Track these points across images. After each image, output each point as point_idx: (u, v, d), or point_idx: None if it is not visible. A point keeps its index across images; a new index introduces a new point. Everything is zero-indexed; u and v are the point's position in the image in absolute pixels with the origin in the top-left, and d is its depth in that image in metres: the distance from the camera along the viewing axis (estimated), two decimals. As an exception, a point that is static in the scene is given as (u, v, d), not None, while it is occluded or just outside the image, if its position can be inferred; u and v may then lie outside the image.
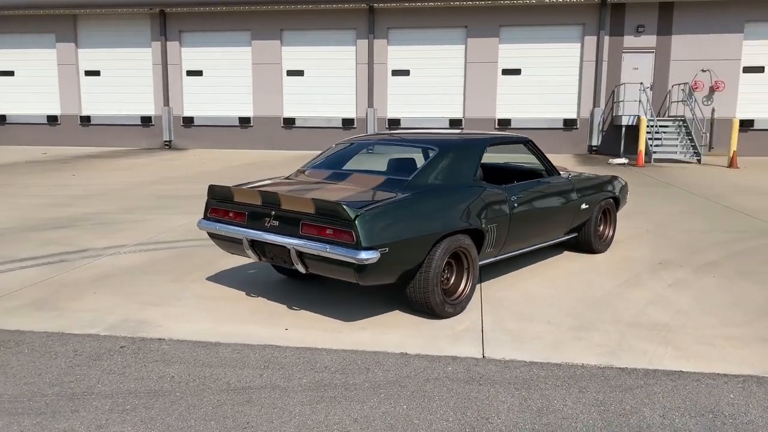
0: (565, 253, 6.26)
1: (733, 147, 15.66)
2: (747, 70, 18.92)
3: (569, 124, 19.86)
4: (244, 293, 4.89)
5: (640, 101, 19.04)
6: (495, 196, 4.67)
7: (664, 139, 17.43)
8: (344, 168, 5.00)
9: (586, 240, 6.03)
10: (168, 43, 21.52)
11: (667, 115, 19.08)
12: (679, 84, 19.00)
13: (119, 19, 21.78)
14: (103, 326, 4.15)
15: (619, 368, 3.47)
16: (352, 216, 3.68)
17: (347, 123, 21.02)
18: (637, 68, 19.34)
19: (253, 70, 21.31)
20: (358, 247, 3.66)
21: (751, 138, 18.82)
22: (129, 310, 4.47)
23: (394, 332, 4.02)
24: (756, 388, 3.20)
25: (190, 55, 21.73)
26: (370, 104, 20.75)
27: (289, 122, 21.32)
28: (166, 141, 21.93)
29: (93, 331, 4.07)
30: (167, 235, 7.10)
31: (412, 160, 4.79)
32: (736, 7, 18.53)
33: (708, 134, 18.31)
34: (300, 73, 21.23)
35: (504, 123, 20.17)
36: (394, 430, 2.80)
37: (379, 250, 3.69)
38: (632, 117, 18.24)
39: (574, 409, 2.99)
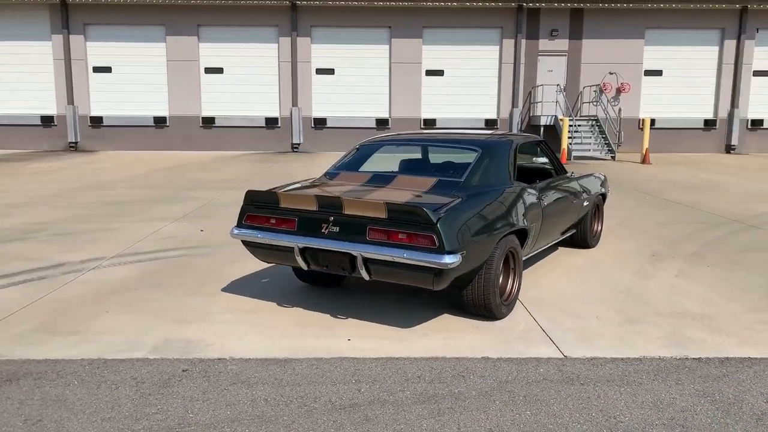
0: (560, 249, 6.47)
1: (646, 144, 16.92)
2: (648, 73, 20.47)
3: (490, 124, 20.56)
4: (275, 304, 4.63)
5: (557, 102, 20.06)
6: (532, 195, 4.74)
7: (581, 137, 18.48)
8: (383, 170, 4.87)
9: (583, 235, 6.27)
10: (71, 36, 19.93)
11: (579, 115, 20.24)
12: (590, 86, 20.22)
13: (14, 11, 19.88)
14: (146, 349, 3.78)
15: (695, 359, 3.63)
16: (434, 219, 3.59)
17: (271, 122, 20.50)
18: (551, 70, 20.36)
19: (168, 67, 20.23)
20: (441, 251, 3.57)
21: (652, 136, 20.36)
22: (164, 330, 4.10)
23: (460, 337, 3.97)
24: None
25: (97, 50, 20.26)
26: (295, 103, 20.37)
27: (209, 122, 20.47)
28: (71, 142, 20.31)
29: (138, 354, 3.69)
30: (144, 245, 6.58)
31: (451, 162, 4.74)
32: (637, 14, 19.99)
33: (620, 132, 19.59)
34: (219, 70, 20.43)
35: (429, 123, 20.52)
36: (535, 437, 2.77)
37: (460, 253, 3.63)
38: (550, 117, 19.19)
39: (685, 402, 3.10)
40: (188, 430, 2.85)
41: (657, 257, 6.11)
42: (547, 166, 6.20)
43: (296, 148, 20.55)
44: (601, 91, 20.23)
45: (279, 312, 4.46)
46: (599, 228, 6.63)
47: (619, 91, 20.28)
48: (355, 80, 20.49)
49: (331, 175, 4.92)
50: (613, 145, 18.09)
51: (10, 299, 4.75)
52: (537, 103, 20.20)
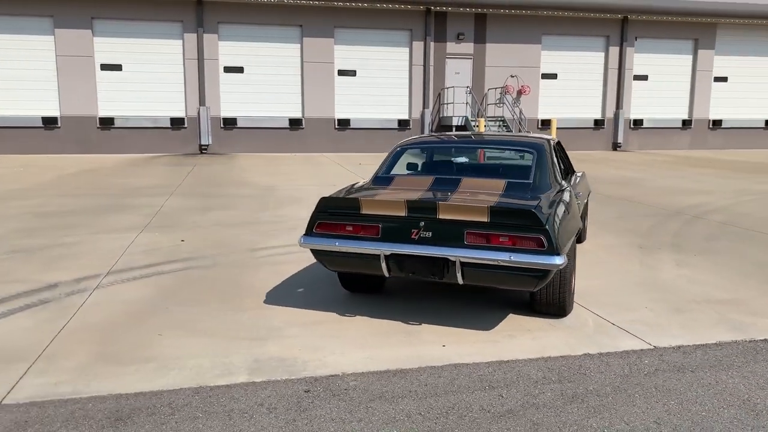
0: (554, 245, 6.79)
1: (554, 143, 18.06)
2: (545, 76, 21.86)
3: (403, 124, 20.92)
4: (335, 314, 4.46)
5: (467, 103, 20.85)
6: (573, 194, 4.94)
7: (491, 137, 19.35)
8: (443, 174, 4.84)
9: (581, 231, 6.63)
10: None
11: (485, 115, 21.17)
12: (494, 88, 21.23)
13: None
14: (243, 371, 3.50)
15: (763, 340, 4.00)
16: (544, 221, 3.65)
17: (177, 122, 19.43)
18: (458, 72, 21.12)
19: (58, 63, 18.51)
20: (551, 252, 3.65)
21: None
22: (245, 350, 3.82)
23: (544, 336, 4.07)
24: None
25: (-29, 42, 18.07)
26: (202, 102, 19.45)
27: (107, 122, 18.99)
28: None
29: (241, 378, 3.41)
30: (132, 260, 6.04)
31: (503, 164, 4.82)
32: (534, 21, 21.27)
33: (528, 133, 20.73)
34: (118, 67, 19.02)
35: (343, 123, 20.47)
36: (703, 428, 2.92)
37: (566, 254, 3.72)
38: (461, 118, 19.91)
39: (790, 379, 3.42)
40: (367, 453, 2.70)
41: (645, 250, 6.60)
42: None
43: (205, 149, 19.64)
44: (504, 93, 21.31)
45: (347, 322, 4.30)
46: (587, 223, 7.04)
47: (520, 93, 21.47)
48: (265, 79, 19.96)
49: (383, 179, 4.81)
50: (522, 144, 19.13)
51: (25, 329, 4.17)
52: (447, 104, 20.87)
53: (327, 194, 10.57)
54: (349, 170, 14.86)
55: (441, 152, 5.28)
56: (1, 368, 3.52)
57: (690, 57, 22.93)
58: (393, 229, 3.96)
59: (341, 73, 20.44)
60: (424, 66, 20.65)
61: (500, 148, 4.98)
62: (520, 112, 21.20)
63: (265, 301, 4.78)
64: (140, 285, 5.23)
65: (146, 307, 4.66)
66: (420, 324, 4.28)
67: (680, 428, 2.89)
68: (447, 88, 20.83)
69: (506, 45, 21.21)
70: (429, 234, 3.88)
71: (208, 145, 19.55)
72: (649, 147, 22.83)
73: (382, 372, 3.52)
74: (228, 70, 19.71)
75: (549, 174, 4.64)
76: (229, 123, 19.76)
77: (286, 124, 20.17)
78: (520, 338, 4.03)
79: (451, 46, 20.87)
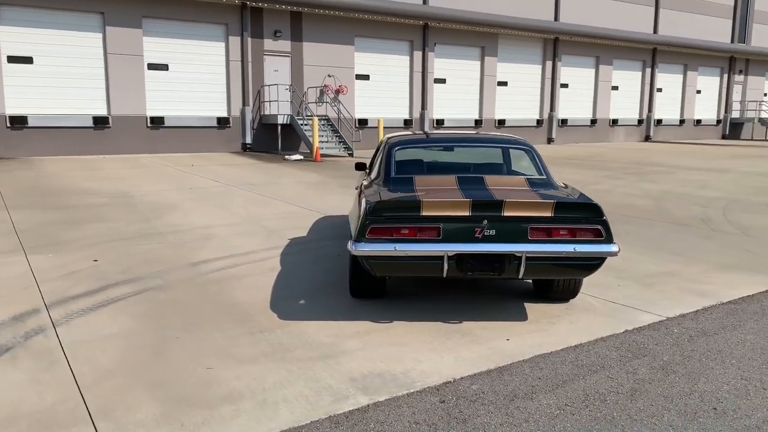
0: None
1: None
2: (358, 77, 22.59)
3: (222, 122, 19.95)
4: (370, 322, 4.29)
5: (291, 102, 20.60)
6: None
7: (320, 136, 19.46)
8: (454, 171, 4.84)
9: None
10: None
11: (305, 114, 21.18)
12: (314, 87, 21.35)
13: None
14: (355, 394, 3.23)
15: (746, 296, 4.83)
16: (604, 213, 3.95)
17: (-54, 122, 16.01)
18: (277, 70, 20.79)
19: None
20: (609, 241, 3.97)
21: (366, 134, 22.58)
22: (323, 370, 3.52)
23: (577, 320, 4.41)
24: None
25: None
26: (-19, 98, 16.32)
27: None
28: None
29: (362, 401, 3.16)
30: (65, 288, 5.04)
31: (498, 161, 5.02)
32: (347, 22, 21.85)
33: (357, 130, 21.20)
34: None
35: (157, 122, 18.82)
36: (769, 375, 3.50)
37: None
38: (285, 116, 19.65)
39: (782, 331, 4.22)
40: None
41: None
42: None
43: (-13, 153, 16.54)
44: (323, 93, 21.56)
45: (392, 329, 4.17)
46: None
47: (338, 92, 21.90)
48: (61, 71, 17.46)
49: (402, 180, 4.69)
50: (350, 143, 19.58)
51: (20, 383, 3.30)
52: (268, 102, 20.42)
53: (192, 198, 9.77)
54: (186, 172, 13.80)
55: (439, 151, 5.32)
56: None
57: (478, 63, 25.59)
58: (455, 229, 3.94)
59: (152, 67, 18.73)
60: (243, 62, 19.92)
61: (495, 146, 5.21)
62: (338, 111, 21.65)
63: (281, 318, 4.38)
64: (108, 315, 4.39)
65: (147, 338, 3.96)
66: (460, 322, 4.33)
67: (764, 382, 3.43)
68: (268, 85, 20.36)
69: (323, 45, 21.45)
70: (493, 232, 3.95)
71: (-10, 148, 16.48)
72: (450, 144, 25.02)
73: (485, 372, 3.52)
74: (13, 60, 16.78)
75: (548, 170, 5.00)
76: (18, 122, 16.86)
77: (90, 123, 17.86)
78: (559, 325, 4.31)
79: (269, 43, 20.44)
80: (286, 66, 20.93)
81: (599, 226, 3.98)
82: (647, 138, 31.37)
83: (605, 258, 4.03)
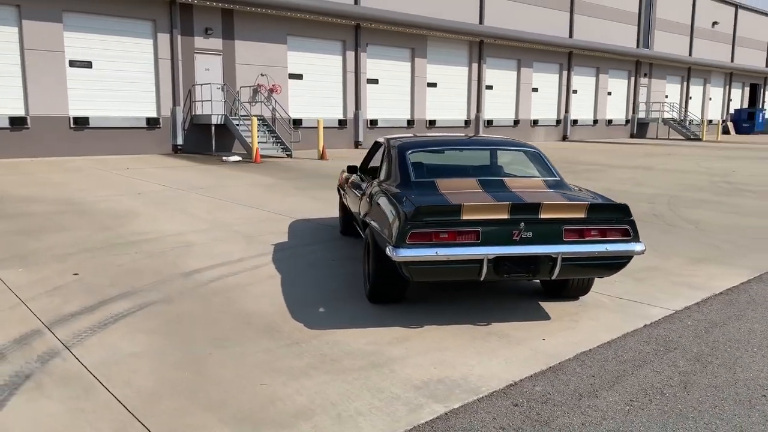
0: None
1: (322, 142, 18.64)
2: (292, 76, 22.25)
3: (152, 123, 19.05)
4: (401, 328, 4.25)
5: (225, 101, 19.96)
6: None
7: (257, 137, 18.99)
8: (472, 174, 4.85)
9: None
10: None
11: (239, 114, 20.62)
12: (247, 86, 20.82)
13: None
14: (428, 402, 3.19)
15: (737, 285, 5.17)
16: (631, 213, 4.10)
17: None
18: (208, 69, 20.10)
19: None
20: (636, 239, 4.13)
21: (305, 134, 22.27)
22: (380, 379, 3.46)
23: (595, 316, 4.57)
24: None
25: None
26: None
27: None
28: None
29: (438, 410, 3.13)
30: (54, 305, 4.65)
31: (507, 163, 5.10)
32: (280, 21, 21.46)
33: (295, 131, 20.77)
34: None
35: (81, 122, 17.70)
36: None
37: None
38: (219, 116, 19.03)
39: (779, 319, 4.55)
40: None
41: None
42: None
43: None
44: (256, 92, 21.07)
45: (426, 333, 4.15)
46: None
47: (271, 91, 21.47)
48: (-28, 68, 16.06)
49: (423, 185, 4.66)
50: (288, 144, 19.24)
51: (61, 415, 3.02)
52: (200, 101, 19.70)
53: (146, 203, 9.31)
54: (125, 176, 13.09)
55: (450, 154, 5.33)
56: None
57: (409, 64, 25.87)
58: (494, 232, 3.97)
59: (74, 64, 17.56)
60: (172, 60, 19.09)
61: (505, 149, 5.30)
62: (273, 111, 21.22)
63: (309, 327, 4.26)
64: (121, 333, 4.10)
65: (177, 356, 3.74)
66: (489, 323, 4.37)
67: (790, 366, 3.69)
68: (200, 84, 19.62)
69: (255, 43, 20.94)
70: (530, 234, 4.01)
71: None
72: (383, 144, 25.12)
73: (539, 373, 3.58)
74: None
75: (559, 172, 5.14)
76: None
77: (6, 124, 16.53)
78: (582, 322, 4.45)
79: (200, 41, 19.71)
80: (218, 65, 20.29)
81: (627, 226, 4.15)
82: (564, 138, 32.89)
83: (632, 256, 4.20)
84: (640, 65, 36.86)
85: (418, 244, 3.92)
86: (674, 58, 37.86)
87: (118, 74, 18.42)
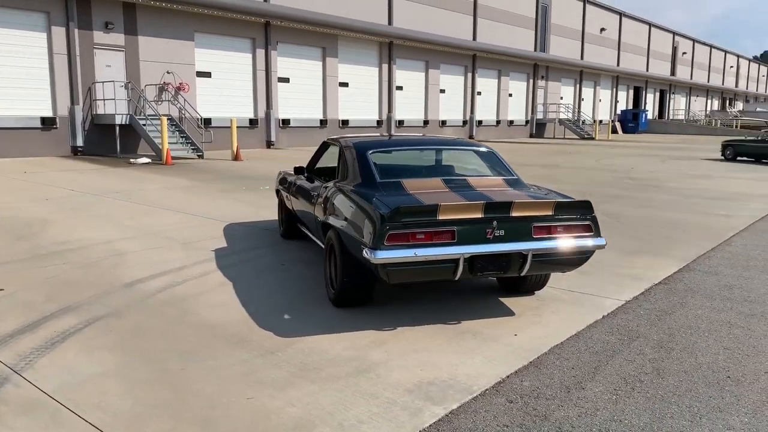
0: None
1: (235, 142, 18.07)
2: (200, 74, 21.42)
3: (48, 123, 17.67)
4: (375, 330, 4.19)
5: (130, 100, 18.84)
6: None
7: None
8: (435, 174, 4.85)
9: None
10: None
11: (144, 113, 19.59)
12: (152, 84, 19.80)
13: None
14: (426, 405, 3.16)
15: (669, 276, 5.50)
16: (593, 209, 4.25)
17: None
18: (110, 65, 18.94)
19: None
20: (598, 234, 4.30)
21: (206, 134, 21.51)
22: (372, 384, 3.40)
23: (557, 309, 4.72)
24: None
25: None
26: None
27: None
28: None
29: (439, 412, 3.11)
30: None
31: (471, 162, 5.16)
32: (186, 17, 20.61)
33: (208, 131, 19.91)
34: None
35: (-34, 122, 16.11)
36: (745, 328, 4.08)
37: None
38: (124, 116, 17.97)
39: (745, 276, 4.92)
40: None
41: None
42: None
43: None
44: (162, 90, 20.10)
45: (401, 335, 4.12)
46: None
47: (178, 90, 20.56)
48: None
49: (391, 185, 4.59)
50: (200, 145, 18.49)
51: (36, 445, 2.72)
52: (101, 100, 18.50)
53: (59, 210, 8.65)
54: (26, 181, 12.08)
55: (408, 154, 5.28)
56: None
57: (320, 63, 25.65)
58: (468, 231, 3.99)
59: (-44, 58, 15.97)
60: (69, 56, 17.76)
61: (461, 149, 5.35)
62: (180, 110, 20.32)
63: (280, 335, 4.10)
64: (75, 352, 3.76)
65: (148, 373, 3.48)
66: (459, 322, 4.40)
67: (741, 346, 3.99)
68: (101, 82, 18.39)
69: (160, 39, 19.94)
70: (502, 232, 4.07)
71: None
72: (297, 144, 24.71)
73: (522, 368, 3.65)
74: None
75: (514, 170, 5.26)
76: None
77: None
78: (545, 316, 4.59)
79: (100, 36, 18.48)
80: (120, 61, 19.17)
81: (590, 222, 4.31)
82: (471, 138, 33.93)
83: (594, 251, 4.38)
84: (538, 68, 38.73)
85: (396, 245, 3.88)
86: (568, 62, 40.12)
87: (6, 70, 16.94)
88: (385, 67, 28.25)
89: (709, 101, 68.58)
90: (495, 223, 4.07)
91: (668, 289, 5.35)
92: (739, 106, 75.31)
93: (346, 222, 4.41)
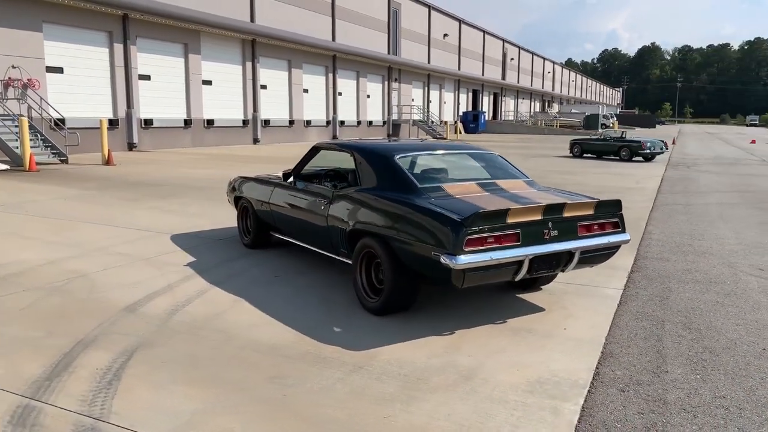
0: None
1: (106, 145, 16.46)
2: (50, 69, 19.18)
3: None
4: (449, 335, 4.18)
5: (-27, 97, 16.29)
6: None
7: (17, 139, 15.96)
8: (475, 177, 4.93)
9: None
10: None
11: (-15, 113, 17.10)
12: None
13: None
14: (566, 402, 3.25)
15: (632, 271, 6.10)
16: (621, 207, 4.61)
17: None
18: (-59, 57, 16.26)
19: None
20: (625, 230, 4.67)
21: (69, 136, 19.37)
22: (507, 392, 3.40)
23: (567, 305, 5.06)
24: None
25: None
26: None
27: None
28: None
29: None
30: None
31: (491, 166, 5.33)
32: (33, 5, 18.34)
33: (70, 134, 17.73)
34: None
35: None
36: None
37: None
38: (-36, 115, 15.57)
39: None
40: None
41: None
42: None
43: None
44: (8, 87, 17.71)
45: (462, 339, 4.18)
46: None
47: (26, 87, 18.24)
48: None
49: (429, 189, 4.55)
50: (63, 148, 16.55)
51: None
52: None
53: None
54: None
55: (428, 159, 5.24)
56: None
57: (183, 60, 24.16)
58: (530, 233, 4.14)
59: None
60: None
61: (472, 152, 5.47)
62: (29, 108, 18.02)
63: (348, 348, 3.94)
64: (145, 389, 3.33)
65: (251, 406, 3.18)
66: (505, 321, 4.55)
67: (747, 322, 4.60)
68: (-68, 77, 15.71)
69: (2, 29, 17.50)
70: (556, 232, 4.27)
71: None
72: (161, 146, 23.04)
73: (601, 359, 3.89)
74: None
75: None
76: None
77: None
78: (573, 309, 4.90)
79: (-72, 23, 15.80)
80: (-45, 52, 16.56)
81: (617, 219, 4.69)
82: (334, 137, 34.16)
83: (620, 245, 4.77)
84: (392, 71, 40.01)
85: (474, 250, 3.93)
86: (417, 65, 41.95)
87: None
88: (249, 65, 27.42)
89: (532, 103, 75.65)
90: (550, 224, 4.28)
91: (645, 276, 5.96)
92: (556, 107, 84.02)
93: (395, 229, 4.34)
